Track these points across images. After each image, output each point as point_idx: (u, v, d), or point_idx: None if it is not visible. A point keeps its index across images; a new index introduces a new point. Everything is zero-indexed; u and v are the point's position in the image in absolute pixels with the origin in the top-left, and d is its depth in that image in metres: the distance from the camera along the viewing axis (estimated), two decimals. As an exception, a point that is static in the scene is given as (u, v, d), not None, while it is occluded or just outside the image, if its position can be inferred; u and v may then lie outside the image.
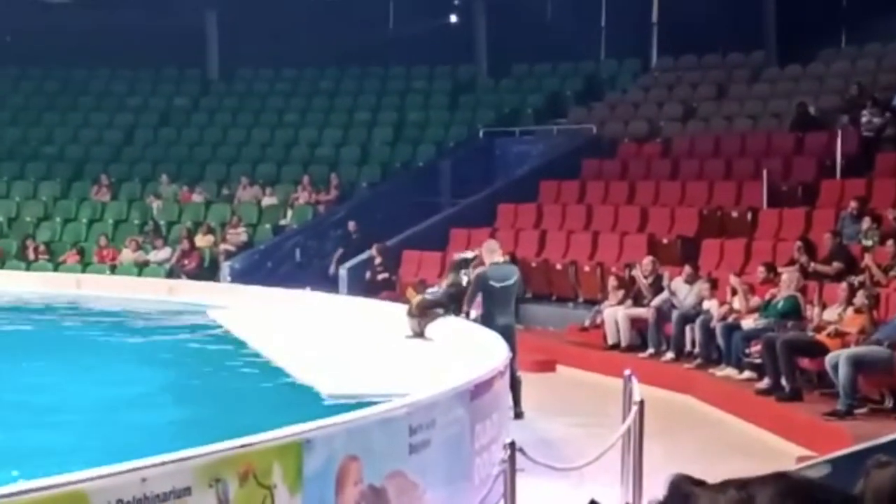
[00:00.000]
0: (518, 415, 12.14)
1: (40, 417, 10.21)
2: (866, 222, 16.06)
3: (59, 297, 20.08)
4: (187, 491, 5.62)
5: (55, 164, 27.81)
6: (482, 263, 13.11)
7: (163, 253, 23.61)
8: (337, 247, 23.07)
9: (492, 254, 12.87)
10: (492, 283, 12.46)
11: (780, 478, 1.56)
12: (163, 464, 5.62)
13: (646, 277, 16.42)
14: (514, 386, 12.04)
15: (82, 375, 12.60)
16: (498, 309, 12.41)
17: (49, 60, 29.94)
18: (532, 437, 10.46)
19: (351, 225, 22.97)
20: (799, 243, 15.58)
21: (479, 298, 12.76)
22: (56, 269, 23.70)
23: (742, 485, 1.55)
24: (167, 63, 30.08)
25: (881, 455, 2.58)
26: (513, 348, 11.77)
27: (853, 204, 16.74)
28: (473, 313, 13.01)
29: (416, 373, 10.93)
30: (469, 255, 13.75)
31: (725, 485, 1.58)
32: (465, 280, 13.15)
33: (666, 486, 2.27)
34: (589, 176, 22.59)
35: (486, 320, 12.33)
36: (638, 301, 16.38)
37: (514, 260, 15.06)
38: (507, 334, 11.83)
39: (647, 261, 16.68)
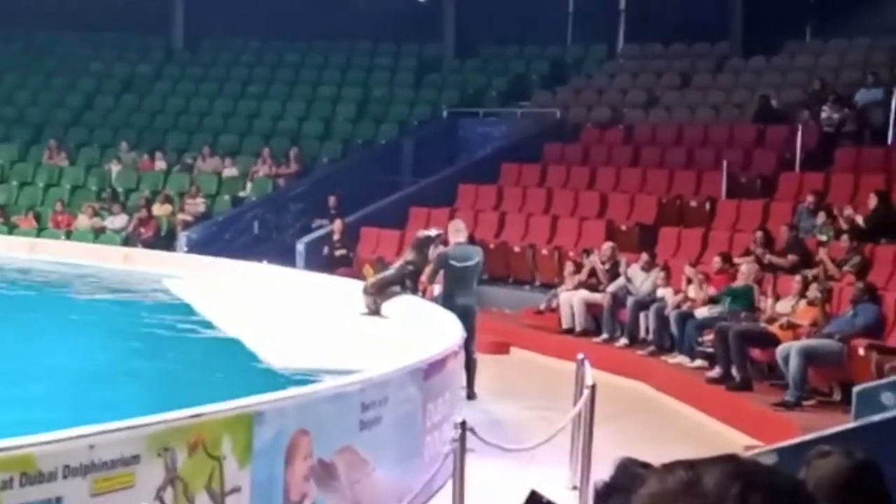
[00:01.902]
0: (471, 396, 12.17)
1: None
2: (822, 217, 16.20)
3: (11, 260, 19.88)
4: (136, 459, 5.61)
5: (13, 126, 27.52)
6: (446, 242, 13.11)
7: (119, 220, 23.45)
8: (297, 220, 22.99)
9: (457, 233, 12.88)
10: (452, 262, 12.47)
11: (728, 459, 1.57)
12: (111, 431, 5.61)
13: (603, 263, 16.48)
14: (470, 367, 12.07)
15: (32, 341, 12.50)
16: (458, 289, 12.43)
17: (12, 22, 29.57)
18: (483, 418, 10.50)
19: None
20: (759, 233, 15.68)
21: (439, 277, 12.78)
22: (10, 232, 23.46)
23: (690, 465, 1.56)
24: (132, 30, 29.78)
25: (823, 445, 2.61)
26: (471, 329, 11.79)
27: (810, 198, 16.87)
28: (436, 289, 13.03)
29: (369, 350, 10.93)
30: (432, 232, 13.74)
31: (673, 465, 1.59)
32: (425, 257, 13.14)
33: (613, 468, 2.29)
34: (550, 160, 22.62)
35: (446, 300, 12.35)
36: (594, 287, 16.45)
37: (472, 241, 15.07)
38: (467, 315, 11.84)
39: (607, 246, 16.74)
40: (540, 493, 2.65)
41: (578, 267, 17.01)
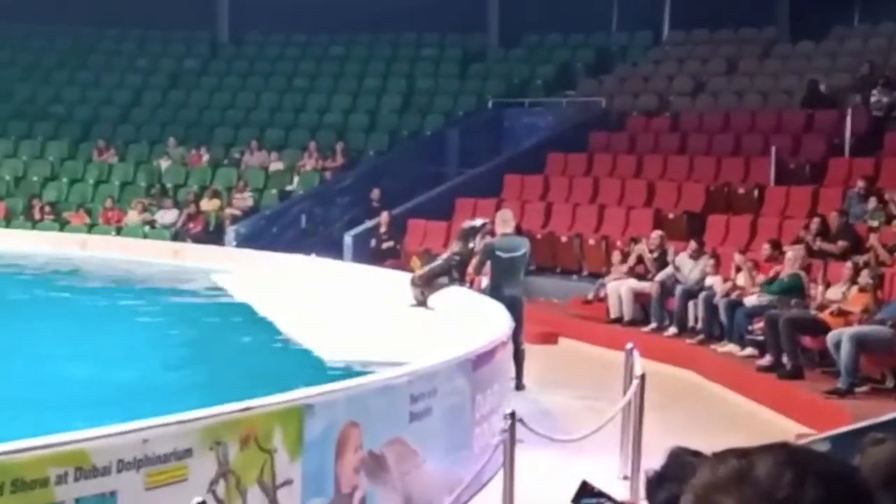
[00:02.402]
0: (519, 387, 12.16)
1: (49, 377, 10.25)
2: (872, 202, 16.04)
3: (63, 258, 20.08)
4: (188, 453, 5.66)
5: (63, 124, 27.78)
6: (493, 233, 13.07)
7: (169, 215, 23.63)
8: (344, 213, 23.08)
9: (504, 224, 12.79)
10: (499, 252, 12.43)
11: (781, 447, 1.56)
12: (165, 425, 5.66)
13: (652, 252, 16.41)
14: (518, 358, 12.05)
15: (85, 335, 12.63)
16: (505, 280, 12.38)
17: (59, 19, 29.86)
18: (532, 409, 10.49)
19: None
20: (816, 220, 15.52)
21: (487, 268, 12.75)
22: (62, 229, 23.72)
23: (742, 454, 1.56)
24: (177, 25, 29.99)
25: (876, 433, 2.59)
26: (519, 320, 11.76)
27: (860, 183, 16.70)
28: (484, 281, 13.00)
29: (418, 341, 10.95)
30: (478, 222, 13.72)
31: (725, 454, 1.58)
32: (471, 248, 13.13)
33: (665, 457, 2.29)
34: (597, 149, 22.54)
35: (494, 291, 12.31)
36: (642, 275, 16.38)
37: (520, 231, 15.02)
38: (514, 306, 11.81)
39: (656, 235, 16.66)
40: (591, 484, 2.65)
41: (626, 256, 16.95)
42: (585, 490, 2.63)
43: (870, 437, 2.87)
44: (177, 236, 22.78)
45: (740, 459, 1.54)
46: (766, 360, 12.91)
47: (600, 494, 2.64)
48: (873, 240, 14.63)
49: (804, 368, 12.51)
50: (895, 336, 11.67)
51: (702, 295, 14.89)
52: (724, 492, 1.51)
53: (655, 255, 16.35)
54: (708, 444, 2.36)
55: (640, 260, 16.54)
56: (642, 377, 8.84)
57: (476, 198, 21.07)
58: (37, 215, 24.23)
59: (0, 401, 8.81)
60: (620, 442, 9.06)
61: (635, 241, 17.06)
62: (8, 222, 24.08)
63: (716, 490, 1.52)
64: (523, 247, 12.76)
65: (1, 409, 8.34)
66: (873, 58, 21.87)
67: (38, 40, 30.45)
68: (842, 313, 12.58)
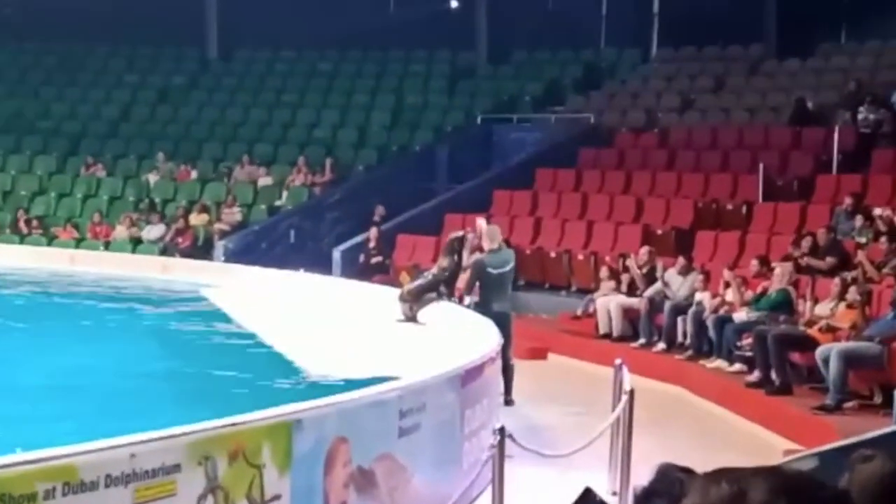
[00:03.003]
0: (508, 402, 12.15)
1: (37, 391, 10.22)
2: (860, 219, 16.09)
3: (51, 272, 20.03)
4: (177, 468, 5.65)
5: (51, 138, 27.75)
6: (480, 248, 13.06)
7: (156, 230, 23.59)
8: (333, 229, 23.09)
9: (492, 240, 12.79)
10: (489, 269, 12.44)
11: (772, 472, 1.55)
12: (152, 440, 5.65)
13: (641, 268, 16.43)
14: (507, 373, 12.04)
15: (73, 350, 12.59)
16: (494, 295, 12.39)
17: (48, 35, 29.85)
18: (521, 424, 10.48)
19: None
20: (807, 238, 15.56)
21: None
22: (50, 243, 23.66)
23: (734, 478, 1.55)
24: (166, 41, 30.00)
25: (865, 449, 2.60)
26: (507, 335, 11.77)
27: (848, 200, 16.76)
28: (468, 300, 13.00)
29: (407, 357, 10.94)
30: (460, 233, 13.71)
31: (717, 476, 1.57)
32: (457, 261, 13.08)
33: (653, 473, 2.28)
34: (585, 165, 22.59)
35: (482, 307, 12.31)
36: (631, 291, 16.40)
37: (508, 244, 15.01)
38: (503, 321, 11.82)
39: (644, 251, 16.70)
40: (595, 492, 2.65)
41: (614, 272, 16.97)
42: (588, 497, 2.63)
43: (858, 453, 2.87)
44: (165, 251, 22.74)
45: (732, 484, 1.53)
46: (755, 375, 12.93)
47: (601, 503, 2.64)
48: (861, 256, 14.68)
49: (792, 384, 12.53)
50: (883, 352, 11.70)
51: (690, 311, 14.92)
52: None
53: (644, 270, 16.37)
54: (697, 459, 2.37)
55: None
56: (631, 393, 8.84)
57: (465, 213, 21.07)
58: (24, 229, 24.18)
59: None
60: (609, 457, 9.06)
61: (625, 256, 17.09)
62: (-5, 237, 24.02)
63: None
64: (511, 260, 12.78)
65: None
66: (860, 75, 21.98)
67: (27, 55, 30.46)
68: (830, 329, 12.62)
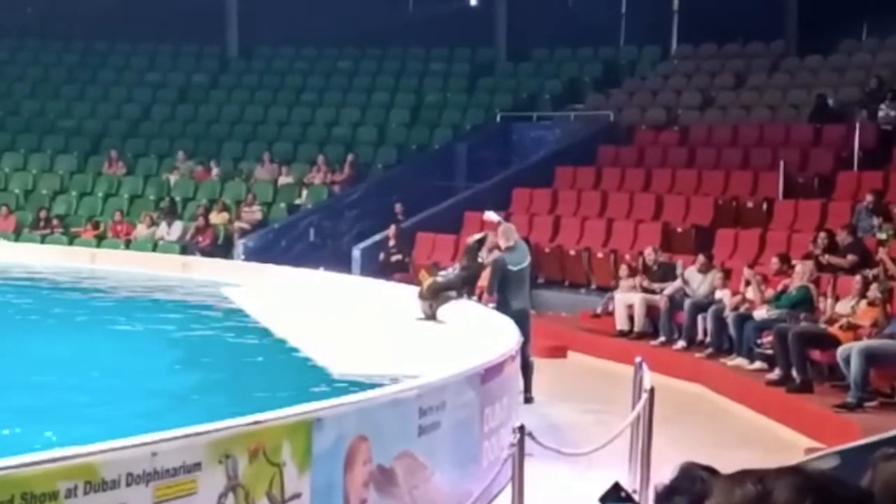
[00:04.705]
0: (528, 399, 12.15)
1: (60, 393, 10.26)
2: (880, 217, 16.02)
3: (74, 270, 20.11)
4: (197, 466, 5.66)
5: (72, 137, 27.85)
6: (497, 246, 13.06)
7: (175, 229, 23.65)
8: (353, 227, 23.12)
9: (508, 238, 12.81)
10: (510, 267, 12.46)
11: (796, 472, 1.55)
12: (173, 439, 5.66)
13: (649, 267, 16.53)
14: (526, 370, 12.04)
15: (94, 348, 12.64)
16: (513, 293, 12.40)
17: (69, 34, 29.98)
18: (541, 423, 10.48)
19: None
20: (822, 235, 15.51)
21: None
22: (71, 242, 23.76)
23: (759, 479, 1.54)
24: (187, 39, 30.10)
25: (888, 448, 2.58)
26: (526, 333, 11.76)
27: (869, 197, 16.69)
28: (490, 305, 12.93)
29: (426, 355, 10.95)
30: (479, 236, 13.73)
31: (741, 477, 1.56)
32: (479, 262, 13.12)
33: (675, 471, 2.28)
34: (605, 162, 22.55)
35: (501, 305, 12.30)
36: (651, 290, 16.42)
37: (526, 240, 14.97)
38: (522, 319, 11.82)
39: (649, 250, 16.82)
40: (623, 487, 2.65)
41: (633, 270, 16.96)
42: (616, 492, 2.62)
43: (880, 452, 2.86)
44: (185, 250, 22.80)
45: (756, 484, 1.52)
46: (776, 373, 12.89)
47: (628, 499, 2.63)
48: (882, 254, 14.61)
49: (813, 382, 12.49)
50: (905, 350, 11.64)
51: (711, 309, 14.88)
52: None
53: (654, 268, 16.46)
54: (717, 458, 2.36)
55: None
56: (651, 391, 8.82)
57: (484, 211, 21.03)
58: (46, 228, 24.28)
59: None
60: (629, 456, 9.04)
61: (643, 254, 17.10)
62: (17, 235, 24.13)
63: None
64: (527, 256, 12.80)
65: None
66: (881, 72, 21.87)
67: (49, 55, 30.58)
68: (851, 327, 12.56)
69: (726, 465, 2.09)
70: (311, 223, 23.64)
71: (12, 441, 7.87)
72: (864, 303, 12.87)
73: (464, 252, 13.78)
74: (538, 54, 28.13)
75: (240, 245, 22.80)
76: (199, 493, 5.65)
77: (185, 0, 28.56)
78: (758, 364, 13.61)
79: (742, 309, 14.34)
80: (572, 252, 19.38)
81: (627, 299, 16.42)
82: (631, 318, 16.31)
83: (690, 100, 24.46)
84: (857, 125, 19.85)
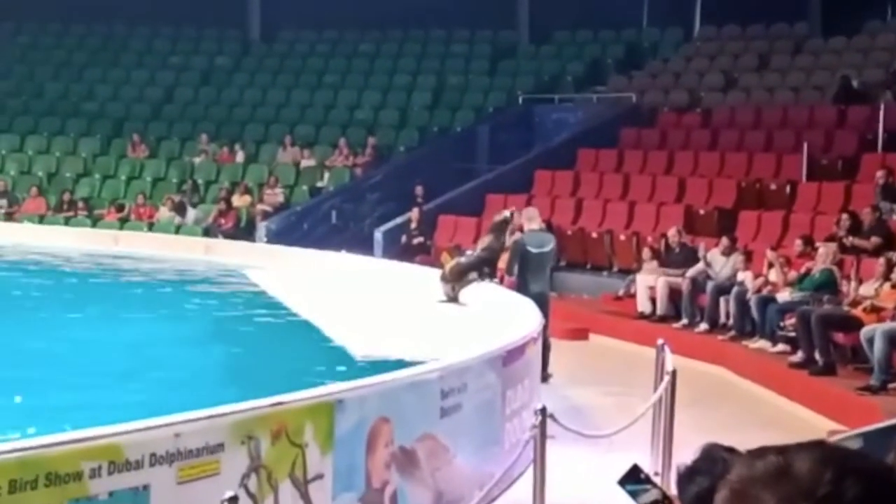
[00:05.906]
0: (545, 378, 12.15)
1: (82, 376, 10.32)
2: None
3: (97, 253, 20.21)
4: (220, 447, 5.69)
5: (96, 120, 27.93)
6: (520, 229, 13.08)
7: (200, 211, 23.70)
8: (375, 209, 23.14)
9: (530, 221, 12.86)
10: (529, 248, 12.46)
11: (818, 445, 1.56)
12: (196, 420, 5.69)
13: (670, 248, 16.52)
14: (544, 349, 12.05)
15: (120, 330, 12.71)
16: (532, 276, 12.42)
17: (92, 16, 30.04)
18: (563, 405, 10.48)
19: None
20: (845, 217, 15.44)
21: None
22: (94, 224, 23.86)
23: (780, 451, 1.55)
24: (209, 22, 30.13)
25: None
26: (545, 315, 11.77)
27: (880, 181, 16.60)
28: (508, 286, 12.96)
29: (448, 337, 10.96)
30: (507, 213, 13.70)
31: (762, 451, 1.57)
32: (502, 242, 13.13)
33: (697, 453, 2.28)
34: (627, 145, 22.49)
35: (520, 287, 12.33)
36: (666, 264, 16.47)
37: (549, 227, 15.03)
38: (541, 301, 11.83)
39: (673, 231, 16.80)
40: (642, 469, 2.65)
41: (656, 252, 16.94)
42: (634, 474, 2.62)
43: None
44: (208, 232, 22.87)
45: (778, 456, 1.54)
46: (798, 356, 12.85)
47: (647, 481, 2.62)
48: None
49: (836, 365, 12.45)
50: (928, 333, 11.58)
51: (733, 291, 14.84)
52: (763, 487, 1.51)
53: (676, 250, 16.44)
54: (740, 440, 2.36)
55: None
56: (673, 373, 8.82)
57: (506, 194, 21.05)
58: (70, 211, 24.38)
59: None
60: (651, 438, 9.04)
61: (666, 236, 17.07)
62: (41, 218, 24.24)
63: (754, 485, 1.52)
64: (550, 242, 12.80)
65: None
66: (906, 53, 21.74)
67: (71, 38, 30.66)
68: (874, 309, 12.50)
69: (748, 447, 2.09)
70: (333, 206, 23.67)
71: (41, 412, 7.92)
72: (887, 285, 12.81)
73: (489, 229, 13.77)
74: (560, 36, 28.04)
75: (262, 228, 22.84)
76: (222, 473, 5.68)
77: (207, -17, 28.60)
78: (780, 347, 13.57)
79: (765, 291, 14.30)
80: (594, 234, 19.36)
81: (649, 282, 16.39)
82: (653, 301, 16.28)
83: (713, 82, 24.35)
84: (882, 106, 19.73)
